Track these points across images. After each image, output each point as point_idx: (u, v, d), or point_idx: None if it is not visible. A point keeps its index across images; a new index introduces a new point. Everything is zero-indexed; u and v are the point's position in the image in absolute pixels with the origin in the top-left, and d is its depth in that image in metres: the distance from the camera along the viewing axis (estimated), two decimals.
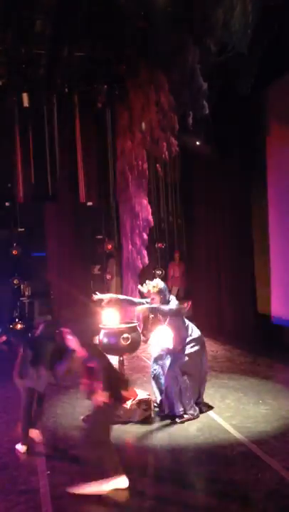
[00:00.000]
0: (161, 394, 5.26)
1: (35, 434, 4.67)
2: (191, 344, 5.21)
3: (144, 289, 5.30)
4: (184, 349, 5.17)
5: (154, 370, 5.37)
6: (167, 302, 5.22)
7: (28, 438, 4.55)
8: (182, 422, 4.99)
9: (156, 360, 5.38)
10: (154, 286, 5.22)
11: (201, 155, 9.04)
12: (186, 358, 5.14)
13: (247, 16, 5.99)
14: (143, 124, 8.08)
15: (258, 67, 6.99)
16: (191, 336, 5.23)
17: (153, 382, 5.39)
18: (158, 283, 5.28)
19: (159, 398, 5.29)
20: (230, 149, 8.93)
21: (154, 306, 5.20)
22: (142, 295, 5.58)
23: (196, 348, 5.21)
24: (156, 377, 5.35)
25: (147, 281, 5.35)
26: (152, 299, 5.24)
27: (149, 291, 5.23)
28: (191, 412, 5.07)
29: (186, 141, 8.13)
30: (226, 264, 9.59)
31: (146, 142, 8.47)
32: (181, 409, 5.05)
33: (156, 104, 7.93)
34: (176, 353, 5.17)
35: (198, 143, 8.84)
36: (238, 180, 9.36)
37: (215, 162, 9.16)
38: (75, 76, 8.81)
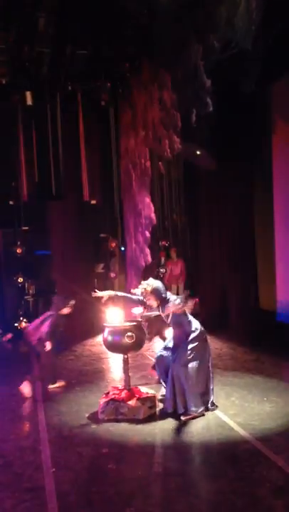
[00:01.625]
0: (165, 383, 5.25)
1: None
2: (195, 340, 5.19)
3: (138, 290, 5.23)
4: (187, 345, 5.15)
5: (160, 353, 5.38)
6: (166, 301, 5.13)
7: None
8: (186, 420, 4.98)
9: (165, 348, 5.39)
10: (145, 288, 5.12)
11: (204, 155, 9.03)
12: (191, 354, 5.13)
13: (251, 12, 5.97)
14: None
15: (262, 64, 6.97)
16: (194, 331, 5.21)
17: (157, 366, 5.42)
18: (151, 282, 5.18)
19: (164, 388, 5.27)
20: (235, 147, 8.92)
21: (151, 313, 5.18)
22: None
23: (200, 343, 5.19)
24: (160, 360, 5.34)
25: (142, 282, 5.30)
26: (148, 299, 5.16)
27: (143, 291, 5.16)
28: (195, 409, 5.06)
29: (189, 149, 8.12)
30: (229, 261, 9.59)
31: (149, 140, 8.47)
32: (184, 407, 5.04)
33: (159, 102, 7.93)
34: (180, 350, 5.16)
35: (198, 152, 8.85)
36: (242, 177, 9.34)
37: (219, 159, 9.14)
38: (78, 74, 8.81)
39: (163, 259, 11.20)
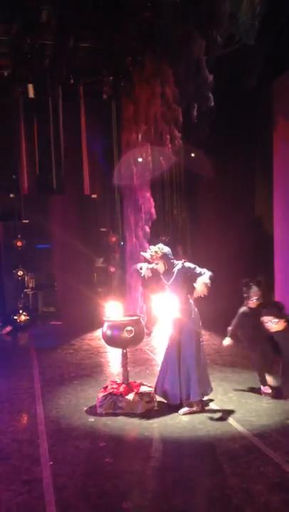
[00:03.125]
0: (163, 382, 5.26)
1: None
2: (197, 322, 5.17)
3: (147, 254, 5.27)
4: (188, 333, 5.11)
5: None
6: (172, 265, 5.18)
7: None
8: (185, 414, 5.00)
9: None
10: (156, 251, 5.17)
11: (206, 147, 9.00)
12: (200, 339, 5.12)
13: (254, 7, 5.93)
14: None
15: (264, 59, 6.94)
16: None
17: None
18: (161, 247, 5.24)
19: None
20: (236, 142, 8.89)
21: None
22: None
23: (198, 324, 5.18)
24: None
25: (151, 247, 5.33)
26: (156, 264, 5.21)
27: (152, 256, 5.20)
28: (197, 397, 5.04)
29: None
30: (229, 257, 9.58)
31: (151, 135, 8.45)
32: (187, 395, 5.04)
33: (160, 97, 7.91)
34: (188, 335, 5.10)
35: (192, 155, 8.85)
36: (243, 173, 9.32)
37: (220, 155, 9.12)
38: (80, 67, 8.78)
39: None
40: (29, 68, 8.20)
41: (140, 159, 8.91)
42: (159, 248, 5.21)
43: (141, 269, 5.31)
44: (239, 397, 5.53)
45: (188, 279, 5.17)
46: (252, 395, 5.58)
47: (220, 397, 5.49)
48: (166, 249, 5.24)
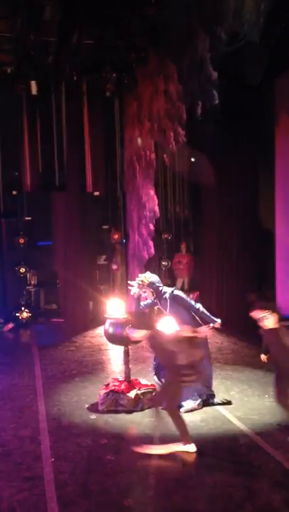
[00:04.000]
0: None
1: None
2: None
3: (134, 283, 5.29)
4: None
5: (155, 361, 5.37)
6: (161, 293, 5.21)
7: None
8: (185, 412, 4.98)
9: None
10: (142, 280, 5.21)
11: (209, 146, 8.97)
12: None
13: (259, 4, 5.90)
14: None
15: (268, 57, 6.90)
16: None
17: (155, 376, 5.39)
18: (148, 275, 5.29)
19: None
20: (239, 139, 8.86)
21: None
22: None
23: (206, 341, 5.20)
24: (157, 369, 5.34)
25: (139, 275, 5.38)
26: (144, 292, 5.25)
27: (139, 284, 5.23)
28: (191, 401, 5.03)
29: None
30: (232, 255, 9.55)
31: (154, 132, 8.41)
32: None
33: (164, 94, 7.86)
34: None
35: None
36: (245, 171, 9.29)
37: (223, 152, 9.09)
38: (83, 64, 8.74)
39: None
40: (32, 65, 8.16)
41: (144, 156, 8.88)
42: (145, 277, 5.26)
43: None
44: (241, 395, 5.53)
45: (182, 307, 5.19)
46: (254, 393, 5.58)
47: (222, 395, 5.48)
48: (154, 278, 5.29)
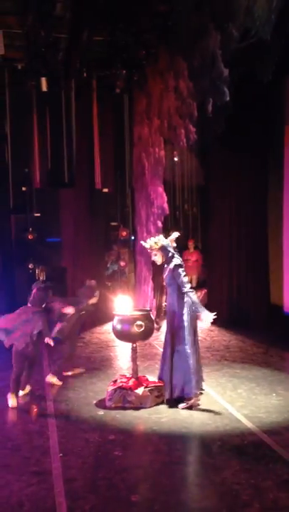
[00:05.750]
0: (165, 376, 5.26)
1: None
2: (188, 317, 5.14)
3: (146, 244, 5.33)
4: (182, 325, 5.11)
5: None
6: (170, 259, 5.21)
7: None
8: (184, 408, 4.99)
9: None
10: (155, 242, 5.23)
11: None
12: (192, 330, 5.12)
13: (271, 1, 5.85)
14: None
15: (279, 54, 6.85)
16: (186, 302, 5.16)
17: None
18: (160, 239, 5.29)
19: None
20: (248, 137, 8.82)
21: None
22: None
23: (193, 315, 5.15)
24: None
25: (150, 238, 5.39)
26: (155, 255, 5.28)
27: (151, 247, 5.26)
28: (194, 391, 5.05)
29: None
30: (240, 253, 9.54)
31: (164, 129, 8.39)
32: (181, 391, 5.05)
33: (174, 91, 7.84)
34: (181, 329, 5.11)
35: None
36: (254, 168, 9.26)
37: (232, 150, 9.06)
38: (93, 61, 8.74)
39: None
40: (43, 61, 8.18)
41: (153, 153, 8.87)
42: (158, 239, 5.26)
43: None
44: (249, 393, 5.53)
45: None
46: (261, 391, 5.57)
47: (229, 393, 5.49)
48: (166, 242, 5.28)
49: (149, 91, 8.63)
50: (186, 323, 5.10)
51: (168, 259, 5.24)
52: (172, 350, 5.18)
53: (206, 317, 5.05)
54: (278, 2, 5.89)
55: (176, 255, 5.27)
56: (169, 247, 5.27)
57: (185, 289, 5.13)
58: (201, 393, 5.26)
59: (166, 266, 5.28)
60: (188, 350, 5.06)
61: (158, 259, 5.31)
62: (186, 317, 5.11)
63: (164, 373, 5.26)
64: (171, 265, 5.20)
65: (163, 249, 5.23)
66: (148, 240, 5.35)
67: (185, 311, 5.12)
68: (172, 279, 5.21)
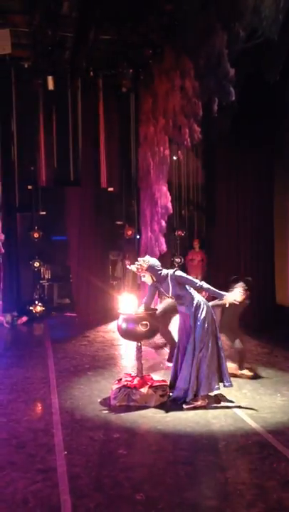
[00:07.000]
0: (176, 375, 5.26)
1: None
2: (201, 315, 5.11)
3: (132, 267, 5.27)
4: (194, 329, 5.09)
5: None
6: (161, 277, 5.16)
7: None
8: (189, 409, 4.99)
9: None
10: (141, 264, 5.17)
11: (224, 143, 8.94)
12: (200, 334, 5.09)
13: (278, 1, 5.84)
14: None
15: (286, 54, 6.84)
16: (199, 306, 5.14)
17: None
18: (147, 259, 5.24)
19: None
20: (254, 137, 8.80)
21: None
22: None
23: (209, 315, 5.13)
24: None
25: (138, 259, 5.34)
26: (143, 276, 5.25)
27: (138, 268, 5.20)
28: (205, 392, 5.04)
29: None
30: (245, 253, 9.51)
31: (169, 128, 8.39)
32: (191, 395, 5.05)
33: (180, 90, 7.84)
34: (196, 330, 5.09)
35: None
36: (260, 168, 9.23)
37: (237, 150, 9.04)
38: (100, 60, 8.77)
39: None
40: (49, 60, 8.20)
41: (158, 152, 8.88)
42: (144, 261, 5.20)
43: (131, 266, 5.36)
44: (253, 393, 5.53)
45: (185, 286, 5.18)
46: (266, 391, 5.57)
47: (234, 392, 5.49)
48: (152, 261, 5.23)
49: (155, 90, 8.63)
50: (198, 328, 5.07)
51: (160, 278, 5.17)
52: (183, 352, 5.18)
53: (231, 296, 5.19)
54: (286, 2, 5.87)
55: (164, 271, 5.20)
56: (157, 266, 5.20)
57: (198, 283, 5.13)
58: (211, 395, 5.22)
59: (161, 284, 5.20)
60: (195, 354, 5.05)
61: (147, 279, 5.25)
62: (198, 321, 5.08)
63: (175, 373, 5.28)
64: (169, 278, 5.13)
65: (151, 269, 5.16)
66: (135, 263, 5.27)
67: (199, 314, 5.09)
68: (178, 286, 5.13)
